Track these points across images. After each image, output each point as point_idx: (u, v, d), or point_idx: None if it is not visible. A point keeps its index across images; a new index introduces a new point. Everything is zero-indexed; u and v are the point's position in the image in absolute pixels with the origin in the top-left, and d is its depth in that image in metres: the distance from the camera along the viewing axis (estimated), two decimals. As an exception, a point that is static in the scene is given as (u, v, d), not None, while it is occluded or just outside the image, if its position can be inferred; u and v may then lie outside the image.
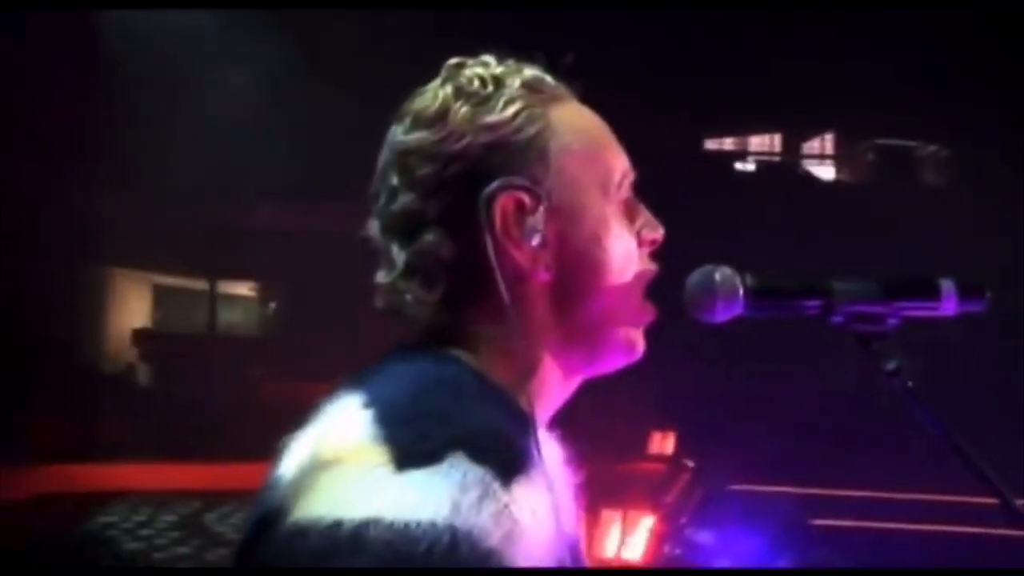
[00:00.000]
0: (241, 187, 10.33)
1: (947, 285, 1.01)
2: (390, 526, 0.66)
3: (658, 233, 0.95)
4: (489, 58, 0.92)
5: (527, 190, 0.86)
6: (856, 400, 5.97)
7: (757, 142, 12.24)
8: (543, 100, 0.91)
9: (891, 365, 0.97)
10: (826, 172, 12.17)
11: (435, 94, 0.89)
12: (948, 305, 1.01)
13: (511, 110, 0.88)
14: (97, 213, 10.78)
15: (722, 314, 1.00)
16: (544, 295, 0.88)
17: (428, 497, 0.68)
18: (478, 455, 0.71)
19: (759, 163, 12.12)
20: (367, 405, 0.77)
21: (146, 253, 12.03)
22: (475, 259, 0.85)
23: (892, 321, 1.00)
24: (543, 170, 0.88)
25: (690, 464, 6.13)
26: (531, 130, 0.88)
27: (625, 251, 0.91)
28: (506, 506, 0.70)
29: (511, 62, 0.92)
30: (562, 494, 0.81)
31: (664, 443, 6.65)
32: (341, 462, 0.72)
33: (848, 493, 5.88)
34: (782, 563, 4.55)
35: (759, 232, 8.94)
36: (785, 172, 12.07)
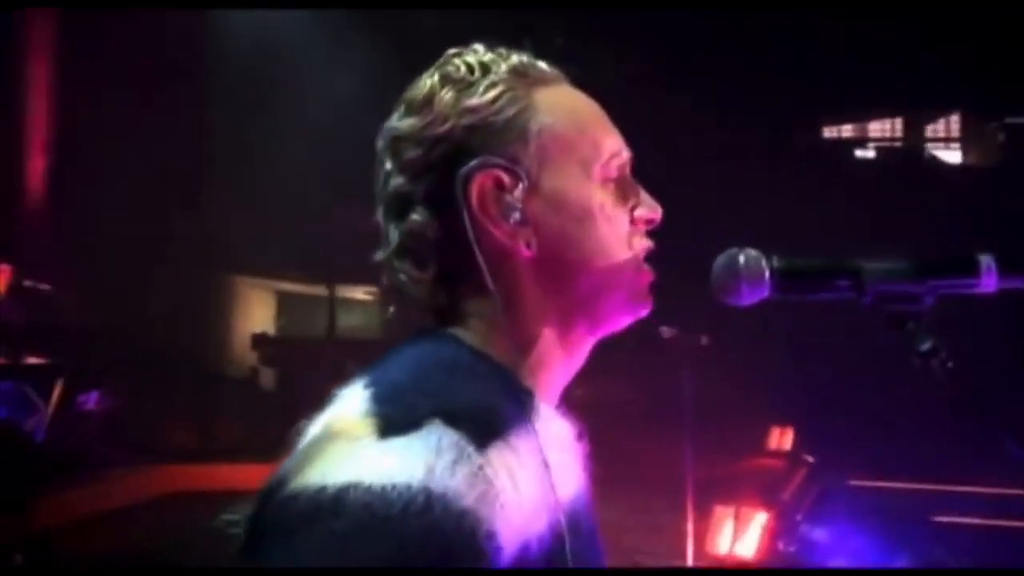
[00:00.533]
0: (357, 192, 10.55)
1: (987, 261, 0.97)
2: (368, 489, 0.70)
3: (653, 212, 0.96)
4: (479, 46, 0.95)
5: (505, 168, 0.89)
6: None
7: (877, 128, 11.81)
8: (528, 83, 0.93)
9: (926, 346, 0.94)
10: (952, 156, 11.65)
11: (424, 82, 0.94)
12: (988, 282, 0.97)
13: (492, 93, 0.91)
14: (222, 223, 11.18)
15: (748, 297, 0.99)
16: (530, 272, 0.90)
17: (404, 462, 0.72)
18: (454, 422, 0.75)
19: (880, 149, 11.70)
20: (368, 386, 0.82)
21: (268, 261, 12.41)
22: (459, 238, 0.88)
23: (927, 300, 0.97)
24: (523, 149, 0.90)
25: (808, 460, 5.99)
26: (511, 111, 0.90)
27: (611, 229, 0.92)
28: (480, 468, 0.74)
29: (502, 50, 0.95)
30: (564, 463, 0.85)
31: (782, 439, 6.51)
32: (334, 436, 0.77)
33: (972, 489, 5.63)
34: (900, 562, 4.40)
35: (882, 221, 8.68)
36: (908, 158, 11.62)
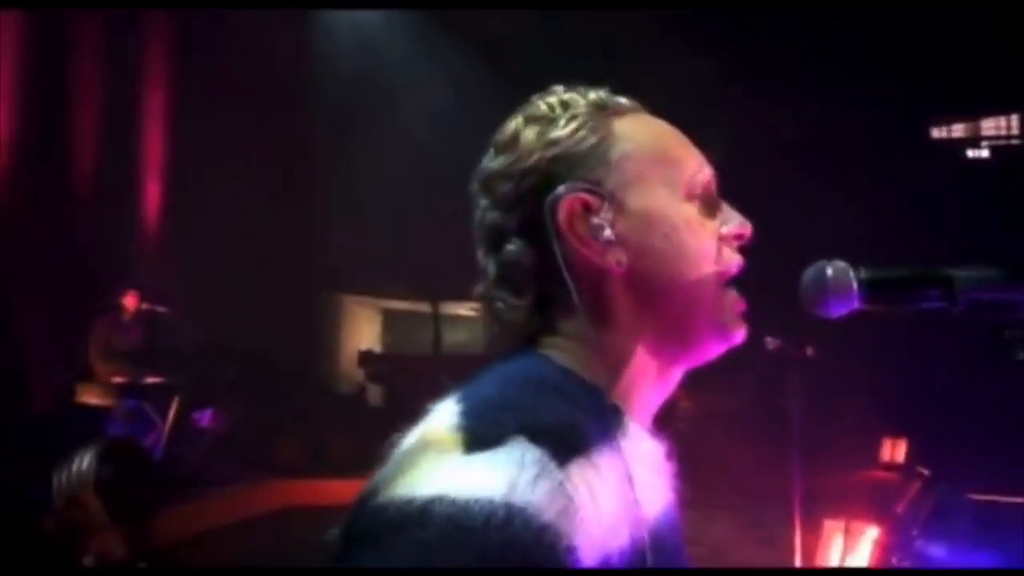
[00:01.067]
0: (460, 211, 10.67)
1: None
2: (453, 502, 0.73)
3: (742, 228, 0.98)
4: (559, 87, 1.01)
5: (590, 192, 0.93)
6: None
7: (991, 125, 11.40)
8: (607, 114, 0.98)
9: (1025, 355, 0.92)
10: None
11: (510, 124, 1.00)
12: (1089, 287, 0.94)
13: (573, 124, 0.96)
14: (329, 243, 11.44)
15: (836, 309, 0.99)
16: (621, 290, 0.93)
17: (488, 476, 0.75)
18: (537, 438, 0.78)
19: (994, 148, 11.28)
20: (459, 401, 0.85)
21: (374, 279, 12.64)
22: (553, 262, 0.92)
23: (1025, 308, 0.94)
24: (606, 173, 0.94)
25: (924, 472, 5.79)
26: (592, 139, 0.95)
27: (698, 245, 0.94)
28: (560, 483, 0.76)
29: (581, 88, 1.00)
30: (650, 482, 0.88)
31: (895, 451, 6.31)
32: (424, 449, 0.80)
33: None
34: (1025, 578, 4.21)
35: (996, 223, 8.38)
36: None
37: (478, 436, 0.79)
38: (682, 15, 9.44)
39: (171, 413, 7.65)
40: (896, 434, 6.42)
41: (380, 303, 13.95)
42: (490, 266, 0.98)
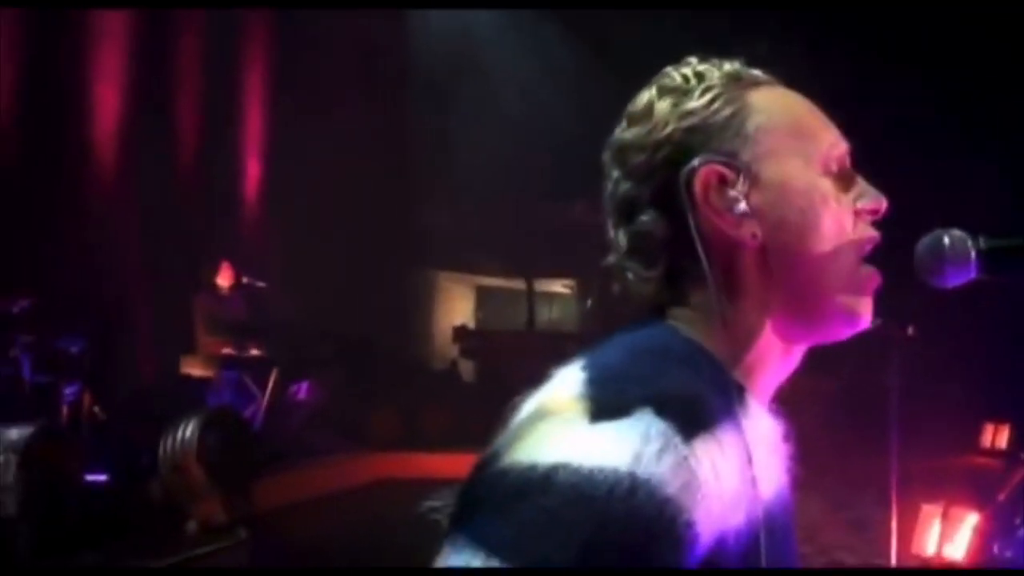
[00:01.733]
0: (554, 188, 10.70)
1: None
2: (577, 470, 0.73)
3: (877, 203, 0.97)
4: (692, 59, 1.00)
5: (726, 164, 0.92)
6: None
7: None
8: (742, 86, 0.97)
9: None
10: None
11: (643, 96, 0.99)
12: None
13: (708, 96, 0.95)
14: (424, 220, 11.57)
15: (953, 279, 0.98)
16: (755, 263, 0.92)
17: (613, 446, 0.75)
18: (664, 411, 0.77)
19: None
20: (584, 368, 0.85)
21: (468, 256, 12.74)
22: (687, 234, 0.91)
23: None
24: (741, 145, 0.93)
25: (1028, 459, 5.64)
26: (727, 111, 0.94)
27: (834, 219, 0.93)
28: (685, 458, 0.76)
29: (715, 60, 0.99)
30: (768, 462, 0.87)
31: (997, 436, 6.16)
32: (548, 415, 0.80)
33: None
34: None
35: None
36: None
37: (603, 405, 0.79)
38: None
39: (270, 385, 7.84)
40: (999, 419, 6.26)
41: (474, 279, 14.06)
42: (621, 237, 0.97)
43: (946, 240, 0.96)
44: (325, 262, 9.26)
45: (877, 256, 0.97)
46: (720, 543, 0.77)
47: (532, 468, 0.75)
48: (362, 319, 9.71)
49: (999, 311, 6.23)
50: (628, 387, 0.80)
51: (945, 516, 4.85)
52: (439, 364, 12.09)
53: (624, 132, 0.98)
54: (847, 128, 1.01)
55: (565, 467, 0.74)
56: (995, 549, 4.70)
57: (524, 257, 11.67)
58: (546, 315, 13.63)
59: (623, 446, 0.75)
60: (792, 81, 1.03)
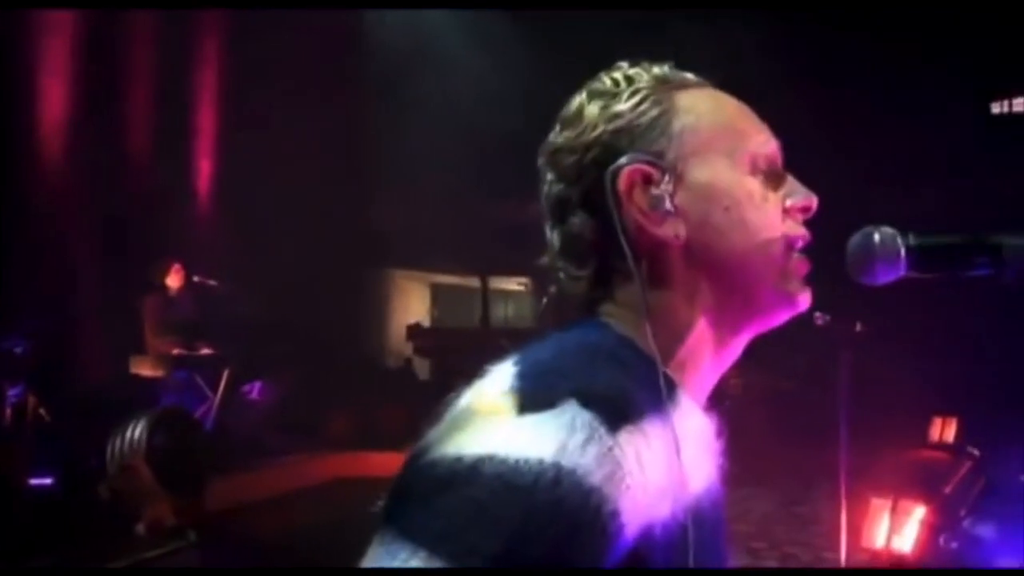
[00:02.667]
0: (508, 187, 10.70)
1: None
2: (503, 461, 0.74)
3: (807, 201, 0.98)
4: (623, 63, 1.02)
5: (651, 163, 0.94)
6: None
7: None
8: (670, 88, 0.99)
9: (1074, 324, 0.91)
10: None
11: (575, 100, 1.01)
12: None
13: (636, 98, 0.97)
14: (377, 218, 11.52)
15: (883, 276, 0.99)
16: (680, 260, 0.94)
17: (538, 438, 0.76)
18: (589, 403, 0.78)
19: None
20: (515, 364, 0.86)
21: (424, 254, 12.71)
22: (615, 234, 0.93)
23: (1077, 277, 0.93)
24: (667, 144, 0.95)
25: (974, 452, 5.72)
26: (654, 112, 0.96)
27: (761, 217, 0.95)
28: (610, 449, 0.77)
29: (645, 63, 1.01)
30: (697, 457, 0.88)
31: (945, 430, 6.23)
32: (476, 410, 0.82)
33: None
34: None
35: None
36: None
37: (530, 399, 0.80)
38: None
39: (222, 385, 7.77)
40: (946, 413, 6.35)
41: (429, 277, 14.05)
42: (554, 238, 1.00)
43: (876, 237, 0.98)
44: (278, 260, 9.18)
45: (810, 253, 0.97)
46: (646, 534, 0.78)
47: (459, 460, 0.76)
48: (316, 317, 9.65)
49: (946, 308, 6.34)
50: (555, 381, 0.81)
51: (894, 509, 4.92)
52: (394, 362, 12.07)
53: (556, 136, 1.00)
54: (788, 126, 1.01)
55: (491, 458, 0.75)
56: (941, 541, 4.77)
57: (479, 255, 11.68)
58: (501, 313, 13.67)
59: (548, 437, 0.76)
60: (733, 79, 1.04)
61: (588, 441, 0.76)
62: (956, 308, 6.57)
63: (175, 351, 7.75)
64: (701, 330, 0.95)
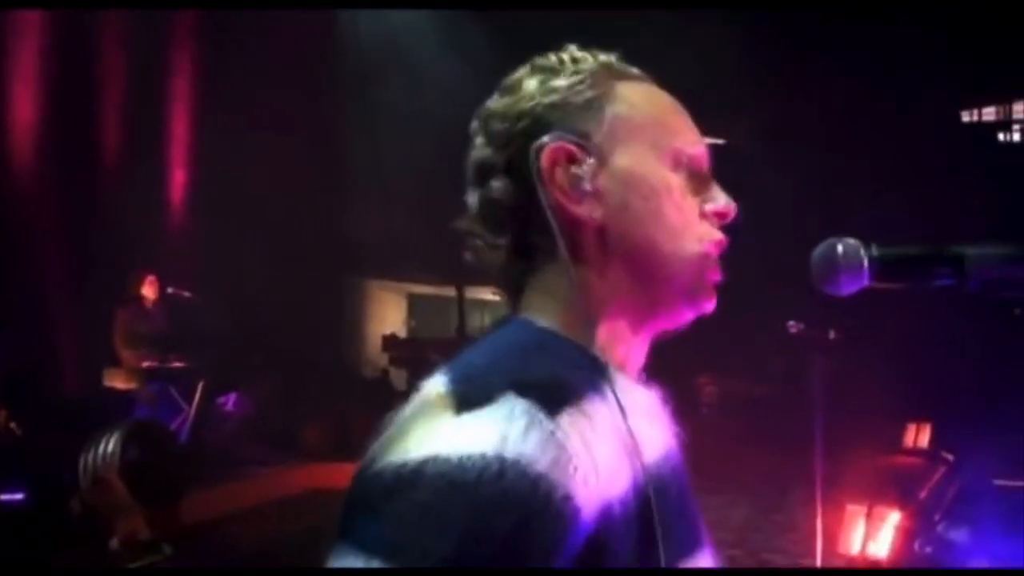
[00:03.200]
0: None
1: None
2: (446, 460, 0.74)
3: (726, 207, 0.98)
4: (572, 45, 1.02)
5: (576, 143, 0.94)
6: None
7: (1020, 109, 11.27)
8: (612, 75, 0.99)
9: (1037, 331, 0.92)
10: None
11: (518, 71, 1.02)
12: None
13: (576, 78, 0.98)
14: (353, 228, 11.50)
15: (847, 286, 0.99)
16: (595, 241, 0.94)
17: (479, 433, 0.76)
18: (525, 392, 0.78)
19: (1024, 132, 11.15)
20: (448, 371, 0.86)
21: (400, 264, 12.70)
22: (533, 204, 0.94)
23: (1037, 285, 0.94)
24: (596, 127, 0.96)
25: (948, 458, 5.75)
26: (590, 93, 0.97)
27: (677, 213, 0.95)
28: (552, 433, 0.77)
29: (595, 50, 1.02)
30: (649, 429, 0.89)
31: (919, 435, 6.28)
32: (415, 417, 0.81)
33: None
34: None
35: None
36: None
37: (467, 398, 0.80)
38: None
39: (196, 397, 7.72)
40: (920, 419, 6.39)
41: (405, 287, 14.03)
42: (473, 200, 1.00)
43: (839, 248, 0.98)
44: (254, 271, 9.14)
45: (723, 258, 0.98)
46: (605, 514, 0.78)
47: (403, 466, 0.76)
48: (292, 328, 9.63)
49: (918, 315, 6.39)
50: (489, 378, 0.82)
51: (869, 515, 4.94)
52: (370, 373, 12.05)
53: (494, 102, 1.01)
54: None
55: (435, 459, 0.75)
56: (916, 546, 4.79)
57: (454, 264, 11.67)
58: (477, 322, 13.63)
59: (488, 430, 0.76)
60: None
61: (529, 428, 0.76)
62: (929, 314, 6.63)
63: (149, 363, 7.69)
64: (616, 313, 0.95)
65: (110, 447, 5.74)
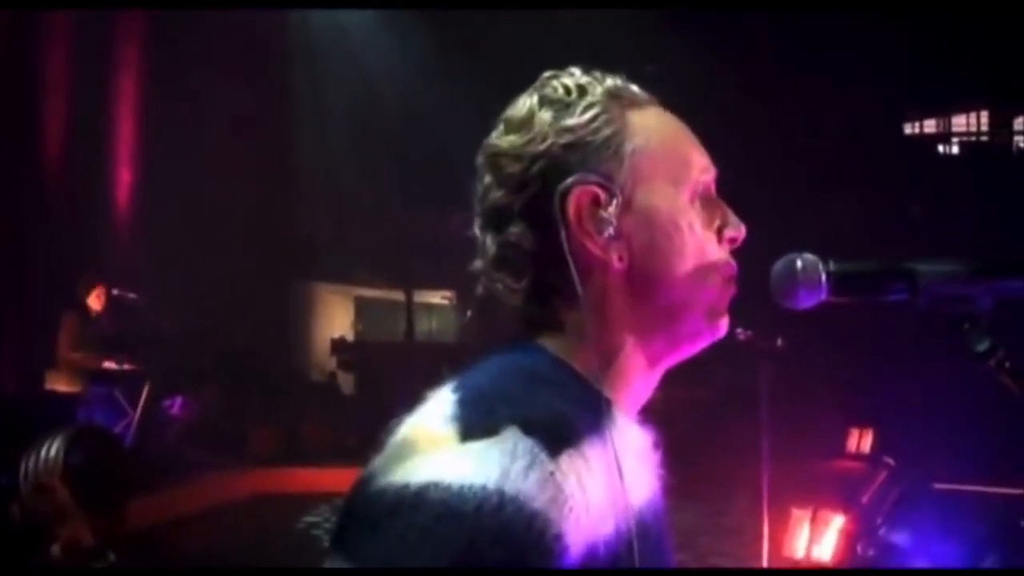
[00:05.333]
0: (432, 199, 10.73)
1: (1040, 262, 0.98)
2: (448, 488, 0.76)
3: (737, 231, 1.00)
4: (576, 69, 1.00)
5: (601, 185, 0.94)
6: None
7: (962, 122, 11.50)
8: (623, 105, 0.99)
9: (983, 346, 0.95)
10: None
11: (524, 102, 0.99)
12: (1042, 283, 0.97)
13: (590, 114, 0.96)
14: (300, 230, 11.41)
15: (805, 300, 1.02)
16: (620, 285, 0.95)
17: (482, 464, 0.77)
18: (530, 430, 0.80)
19: (964, 144, 11.38)
20: (455, 390, 0.87)
21: (347, 267, 12.62)
22: (555, 250, 0.93)
23: (984, 302, 0.98)
24: (617, 167, 0.95)
25: (889, 462, 5.87)
26: (607, 131, 0.96)
27: (698, 244, 0.96)
28: (551, 474, 0.78)
29: (597, 73, 1.00)
30: (637, 470, 0.90)
31: (861, 441, 6.40)
32: (420, 438, 0.83)
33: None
34: (986, 565, 4.29)
35: (967, 219, 8.48)
36: (995, 154, 11.28)
37: (472, 426, 0.81)
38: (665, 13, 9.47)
39: (142, 400, 7.60)
40: (863, 425, 6.51)
41: (352, 291, 13.95)
42: (489, 245, 0.98)
43: (799, 263, 1.01)
44: (200, 273, 9.03)
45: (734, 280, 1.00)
46: (591, 554, 0.80)
47: (405, 487, 0.77)
48: (238, 331, 9.52)
49: (861, 324, 6.50)
50: (496, 407, 0.83)
51: (814, 519, 5.02)
52: (317, 377, 11.97)
53: (501, 138, 0.99)
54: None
55: (436, 485, 0.76)
56: (859, 549, 4.88)
57: (403, 268, 11.64)
58: (425, 326, 13.61)
59: (491, 464, 0.77)
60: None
61: (530, 467, 0.77)
62: (871, 324, 6.75)
63: (93, 365, 7.55)
64: (632, 353, 0.96)
65: (52, 451, 5.61)
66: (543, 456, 0.78)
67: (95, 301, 7.72)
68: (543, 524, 0.76)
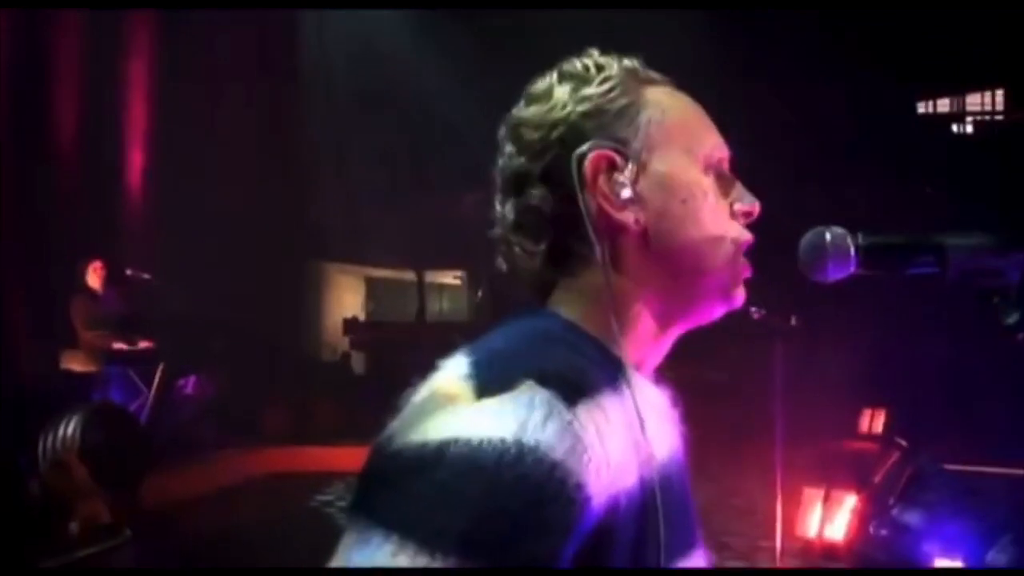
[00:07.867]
0: (444, 181, 10.73)
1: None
2: (467, 443, 0.77)
3: (752, 206, 1.03)
4: (594, 50, 1.04)
5: (617, 151, 0.97)
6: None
7: (976, 101, 11.42)
8: (639, 81, 1.02)
9: (1013, 319, 0.96)
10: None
11: (545, 78, 1.04)
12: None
13: (607, 85, 1.00)
14: (313, 211, 11.42)
15: (834, 273, 1.03)
16: (636, 246, 0.97)
17: (499, 418, 0.78)
18: (547, 382, 0.81)
19: (978, 124, 11.31)
20: (470, 354, 0.89)
21: (359, 248, 12.63)
22: (573, 212, 0.96)
23: (1013, 274, 0.98)
24: (633, 134, 0.98)
25: (901, 443, 5.88)
26: (623, 100, 0.99)
27: (713, 212, 0.99)
28: (569, 423, 0.79)
29: (614, 54, 1.04)
30: (657, 426, 0.92)
31: (874, 421, 6.40)
32: (436, 399, 0.84)
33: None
34: (999, 546, 4.30)
35: (982, 199, 8.43)
36: (1010, 133, 11.21)
37: (488, 383, 0.82)
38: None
39: (156, 380, 7.64)
40: (875, 405, 6.51)
41: (364, 271, 13.96)
42: (508, 210, 1.01)
43: (827, 236, 1.02)
44: (213, 254, 9.05)
45: (749, 256, 1.01)
46: (613, 506, 0.81)
47: (424, 446, 0.78)
48: (252, 312, 9.53)
49: (874, 303, 6.49)
50: (511, 365, 0.84)
51: (826, 499, 5.05)
52: (330, 356, 12.00)
53: (522, 110, 1.02)
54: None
55: (455, 442, 0.77)
56: (871, 529, 4.90)
57: (414, 248, 11.66)
58: (437, 306, 13.63)
59: (508, 416, 0.78)
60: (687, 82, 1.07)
61: (548, 418, 0.78)
62: (884, 303, 6.73)
63: (109, 345, 7.58)
64: (645, 317, 0.98)
65: (70, 430, 5.69)
66: (560, 406, 0.79)
67: (93, 279, 7.72)
68: (564, 473, 0.76)
